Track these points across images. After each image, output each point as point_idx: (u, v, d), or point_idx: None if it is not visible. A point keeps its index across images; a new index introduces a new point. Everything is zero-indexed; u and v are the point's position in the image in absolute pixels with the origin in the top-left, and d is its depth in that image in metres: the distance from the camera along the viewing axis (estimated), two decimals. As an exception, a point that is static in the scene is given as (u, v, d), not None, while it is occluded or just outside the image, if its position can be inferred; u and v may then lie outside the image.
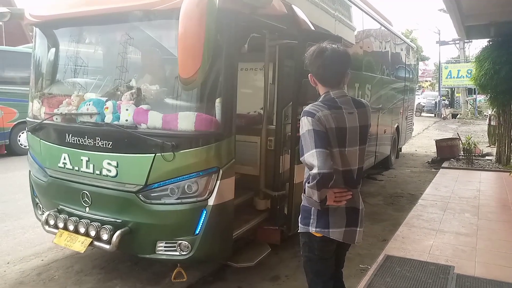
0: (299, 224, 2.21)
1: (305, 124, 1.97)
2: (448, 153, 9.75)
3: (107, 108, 3.34)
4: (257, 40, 4.15)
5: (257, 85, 4.48)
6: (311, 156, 1.89)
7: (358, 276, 3.63)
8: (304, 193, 2.10)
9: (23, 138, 10.44)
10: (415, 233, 4.52)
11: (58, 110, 3.64)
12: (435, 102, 28.22)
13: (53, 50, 3.97)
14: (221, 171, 3.15)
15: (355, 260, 4.05)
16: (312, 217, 2.10)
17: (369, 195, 6.82)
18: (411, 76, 10.73)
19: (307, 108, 2.04)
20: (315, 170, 1.85)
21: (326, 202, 1.97)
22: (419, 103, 26.75)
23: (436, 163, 9.58)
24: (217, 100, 3.16)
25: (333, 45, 2.08)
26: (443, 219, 5.05)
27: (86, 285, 3.61)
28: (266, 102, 4.05)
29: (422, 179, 8.06)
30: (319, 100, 2.11)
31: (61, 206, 3.59)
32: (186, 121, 3.09)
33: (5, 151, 10.32)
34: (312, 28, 4.07)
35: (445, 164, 9.03)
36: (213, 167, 3.13)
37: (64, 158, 3.51)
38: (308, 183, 1.90)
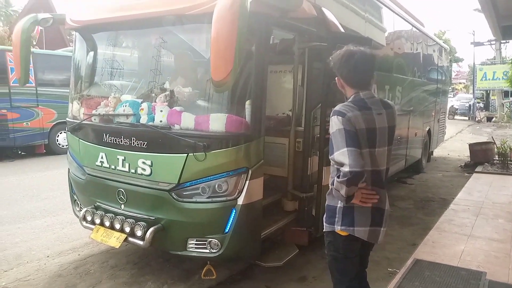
0: (324, 223, 2.24)
1: (336, 123, 2.01)
2: (482, 157, 9.45)
3: (142, 109, 3.48)
4: (287, 43, 4.21)
5: (286, 87, 4.52)
6: (342, 155, 1.93)
7: (386, 279, 3.61)
8: (329, 193, 2.14)
9: (61, 138, 10.92)
10: (446, 237, 4.43)
11: (96, 111, 3.81)
12: (469, 105, 27.36)
13: (91, 53, 4.17)
14: (250, 171, 3.23)
15: (383, 264, 4.02)
16: (337, 215, 2.14)
17: (399, 198, 6.72)
18: (443, 78, 10.48)
19: (337, 108, 2.08)
20: (346, 168, 1.89)
21: (353, 199, 2.01)
22: (452, 105, 25.98)
23: (469, 168, 9.32)
24: (247, 102, 3.25)
25: (361, 48, 2.12)
26: (475, 224, 4.92)
27: (120, 280, 3.77)
28: (295, 104, 4.10)
29: (454, 184, 7.86)
30: (349, 100, 2.15)
31: (97, 203, 3.75)
32: (217, 122, 3.18)
33: (44, 150, 10.82)
34: (342, 30, 4.08)
35: (478, 169, 8.76)
36: (242, 167, 3.21)
37: (102, 157, 3.67)
38: (338, 177, 1.94)
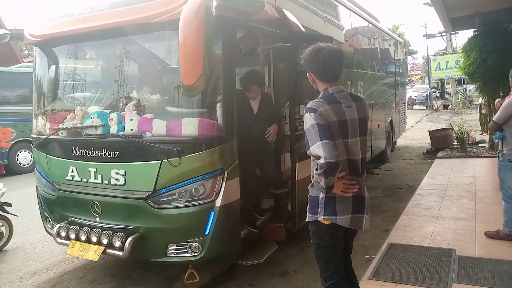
0: (308, 213, 2.33)
1: (309, 120, 2.11)
2: (442, 143, 9.93)
3: (111, 119, 3.45)
4: (250, 45, 4.29)
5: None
6: (317, 148, 2.02)
7: (364, 265, 3.75)
8: (312, 185, 2.23)
9: (21, 157, 10.51)
10: (416, 221, 4.66)
11: (63, 124, 3.74)
12: (426, 95, 28.50)
13: (53, 67, 4.08)
14: (226, 173, 3.27)
15: (359, 251, 4.17)
16: (320, 206, 2.23)
17: (368, 188, 6.82)
18: (401, 71, 10.92)
19: (309, 105, 2.18)
20: (322, 160, 1.99)
21: (333, 189, 2.10)
22: (410, 96, 27.01)
23: (431, 154, 9.75)
24: (218, 105, 3.29)
25: (329, 44, 2.24)
26: (441, 206, 5.19)
27: (100, 294, 3.70)
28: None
29: (418, 170, 8.21)
30: (319, 96, 2.25)
31: (71, 218, 3.67)
32: (189, 127, 3.21)
33: (4, 171, 10.36)
34: (303, 30, 4.21)
35: (440, 154, 9.20)
36: (218, 169, 3.25)
37: (72, 171, 3.60)
38: (317, 170, 2.04)
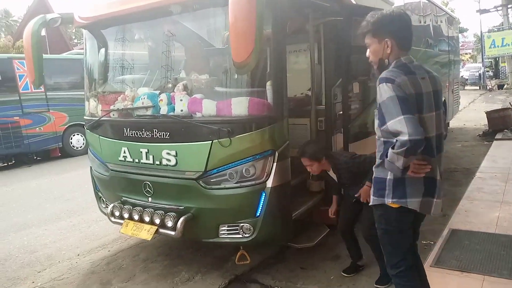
0: (372, 197, 2.18)
1: (385, 91, 1.92)
2: (501, 124, 9.27)
3: (161, 100, 3.43)
4: (299, 21, 4.12)
5: (301, 67, 4.44)
6: (398, 123, 1.83)
7: (423, 252, 3.53)
8: (377, 165, 2.08)
9: (75, 140, 10.99)
10: (478, 206, 4.36)
11: (114, 106, 3.78)
12: (479, 74, 26.88)
13: (103, 50, 4.12)
14: (276, 154, 3.18)
15: (416, 237, 3.97)
16: (387, 188, 2.07)
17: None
18: (454, 49, 10.25)
19: (383, 74, 2.00)
20: (404, 137, 1.80)
21: (408, 171, 1.93)
22: (462, 76, 25.53)
23: (488, 136, 9.16)
24: (268, 83, 3.18)
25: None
26: (506, 191, 4.83)
27: (154, 272, 3.77)
28: (314, 82, 4.01)
29: (475, 153, 7.73)
30: (392, 66, 2.07)
31: (124, 198, 3.74)
32: (239, 106, 3.12)
33: (59, 154, 10.89)
34: (354, 2, 3.98)
35: (498, 136, 8.61)
36: (268, 150, 3.16)
37: (124, 152, 3.64)
38: (393, 148, 1.87)
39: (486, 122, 9.73)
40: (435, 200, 2.09)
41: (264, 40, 2.97)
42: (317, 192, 4.12)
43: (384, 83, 1.93)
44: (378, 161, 2.07)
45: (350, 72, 3.80)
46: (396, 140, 1.84)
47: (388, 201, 2.07)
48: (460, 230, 3.71)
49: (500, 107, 11.00)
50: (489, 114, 9.64)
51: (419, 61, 7.04)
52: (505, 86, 25.13)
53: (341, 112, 3.90)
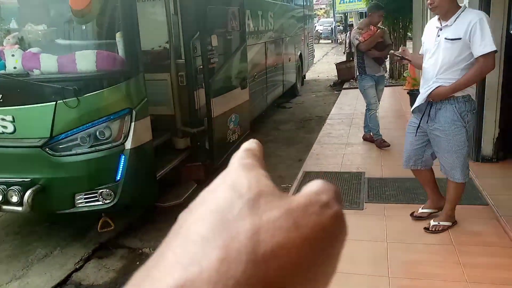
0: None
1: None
2: (348, 75, 10.37)
3: (-14, 56, 2.88)
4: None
5: (158, 18, 4.17)
6: None
7: (282, 195, 3.85)
8: None
9: None
10: (327, 149, 4.87)
11: None
12: (331, 28, 29.32)
13: None
14: (134, 112, 3.00)
15: (277, 182, 4.25)
16: None
17: (281, 122, 7.10)
18: (308, 3, 10.89)
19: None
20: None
21: None
22: (317, 30, 27.58)
23: (337, 86, 10.18)
24: (118, 35, 2.91)
25: None
26: (350, 134, 5.49)
27: (2, 254, 3.32)
28: (171, 35, 3.83)
29: (327, 102, 8.56)
30: None
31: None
32: (85, 61, 2.81)
33: None
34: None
35: (345, 85, 9.65)
36: (124, 109, 2.97)
37: None
38: None
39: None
40: None
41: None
42: (183, 149, 4.07)
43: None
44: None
45: (208, 24, 3.71)
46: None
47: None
48: (312, 171, 4.12)
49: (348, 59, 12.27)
50: (338, 65, 10.68)
51: (276, 15, 7.28)
52: (351, 40, 28.01)
53: (202, 66, 3.82)
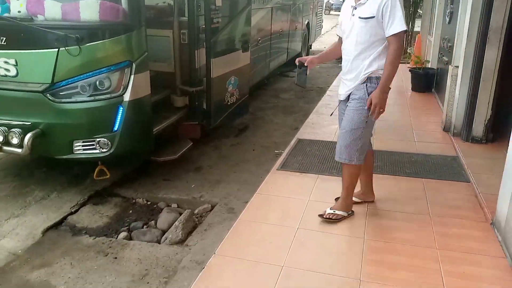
0: None
1: None
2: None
3: (-9, -3, 2.91)
4: None
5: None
6: None
7: (275, 160, 3.95)
8: None
9: None
10: (324, 119, 4.94)
11: None
12: (343, 0, 28.63)
13: None
14: (134, 65, 3.07)
15: (271, 148, 4.38)
16: None
17: (282, 91, 7.14)
18: (320, -29, 10.66)
19: None
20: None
21: None
22: (328, 0, 26.96)
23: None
24: (122, -14, 2.92)
25: None
26: (347, 106, 5.54)
27: (2, 193, 3.47)
28: (176, -9, 3.82)
29: (330, 74, 8.55)
30: None
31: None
32: (89, 10, 2.86)
33: None
34: None
35: (350, 59, 9.55)
36: (124, 61, 3.03)
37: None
38: None
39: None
40: None
41: None
42: (181, 107, 4.15)
43: None
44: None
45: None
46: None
47: None
48: (305, 139, 4.21)
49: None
50: (345, 38, 10.54)
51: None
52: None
53: (204, 26, 3.84)
